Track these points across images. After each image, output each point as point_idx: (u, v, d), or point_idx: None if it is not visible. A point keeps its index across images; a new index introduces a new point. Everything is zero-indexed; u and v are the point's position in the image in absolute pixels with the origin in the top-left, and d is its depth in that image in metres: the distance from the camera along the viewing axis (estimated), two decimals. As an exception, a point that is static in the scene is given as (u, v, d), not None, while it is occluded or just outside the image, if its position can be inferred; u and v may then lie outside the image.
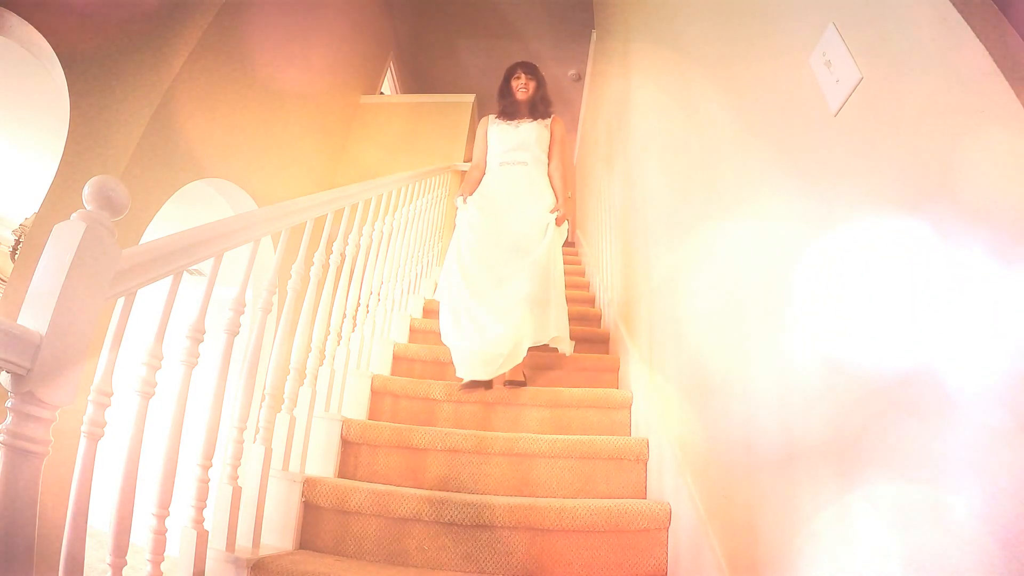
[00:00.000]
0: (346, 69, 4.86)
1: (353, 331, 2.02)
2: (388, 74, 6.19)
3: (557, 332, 2.12)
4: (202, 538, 1.11)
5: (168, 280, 1.06)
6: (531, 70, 2.60)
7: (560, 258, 2.26)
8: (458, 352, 2.03)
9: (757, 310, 1.10)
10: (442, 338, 2.13)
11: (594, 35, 4.73)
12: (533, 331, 2.04)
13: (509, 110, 2.57)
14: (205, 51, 3.04)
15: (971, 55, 0.59)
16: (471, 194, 2.41)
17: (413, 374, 2.26)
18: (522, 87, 2.55)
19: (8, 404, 0.70)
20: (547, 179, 2.43)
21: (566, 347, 2.19)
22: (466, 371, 2.00)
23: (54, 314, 0.72)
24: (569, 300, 3.34)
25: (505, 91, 2.60)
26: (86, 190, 0.81)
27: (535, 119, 2.52)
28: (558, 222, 2.24)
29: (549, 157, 2.48)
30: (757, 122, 1.15)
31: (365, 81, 5.28)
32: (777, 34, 1.07)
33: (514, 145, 2.45)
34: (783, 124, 1.03)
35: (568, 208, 2.29)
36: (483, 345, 1.96)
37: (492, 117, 2.62)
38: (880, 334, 0.72)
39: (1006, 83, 0.55)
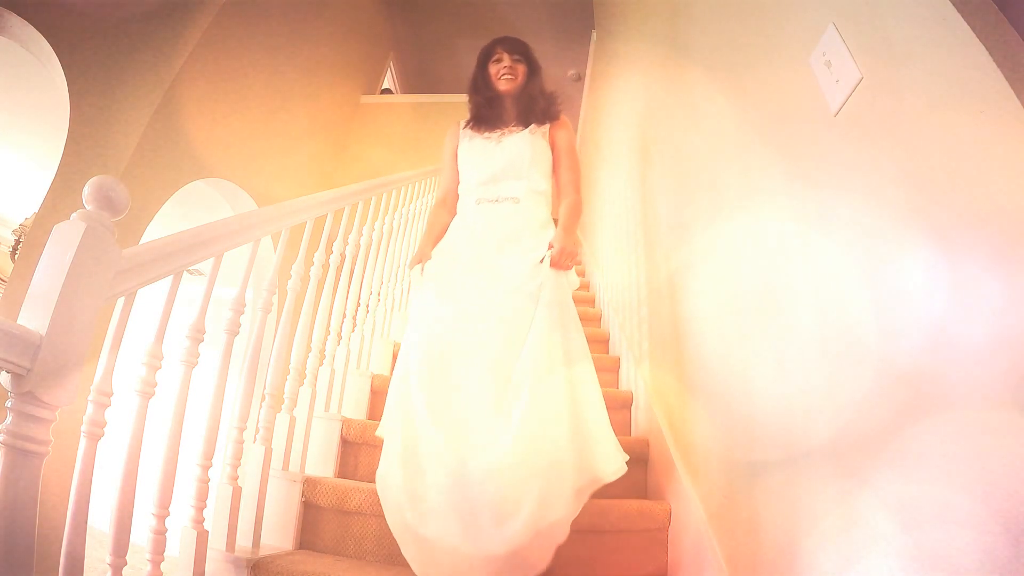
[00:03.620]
0: (346, 69, 4.87)
1: (353, 331, 2.02)
2: (388, 74, 6.20)
3: (609, 464, 1.24)
4: (202, 538, 1.11)
5: (168, 280, 1.06)
6: (517, 48, 1.66)
7: (580, 334, 1.44)
8: (421, 543, 1.13)
9: (756, 310, 1.10)
10: (381, 488, 1.23)
11: (594, 35, 4.73)
12: (559, 480, 1.18)
13: (487, 114, 1.64)
14: (205, 51, 3.04)
15: (971, 55, 0.59)
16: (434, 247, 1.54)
17: (413, 374, 2.25)
18: (505, 73, 1.62)
19: (8, 404, 0.70)
20: (550, 218, 1.56)
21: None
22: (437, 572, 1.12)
23: (54, 314, 0.72)
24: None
25: (481, 82, 1.66)
26: (86, 190, 0.81)
27: (529, 125, 1.61)
28: (552, 261, 1.39)
29: (555, 180, 1.63)
30: (759, 121, 1.15)
31: (365, 81, 5.28)
32: (777, 34, 1.07)
33: (497, 171, 1.55)
34: (784, 124, 1.03)
35: (570, 242, 1.44)
36: (480, 542, 1.09)
37: (462, 125, 1.69)
38: (881, 334, 0.72)
39: (1006, 83, 0.55)
